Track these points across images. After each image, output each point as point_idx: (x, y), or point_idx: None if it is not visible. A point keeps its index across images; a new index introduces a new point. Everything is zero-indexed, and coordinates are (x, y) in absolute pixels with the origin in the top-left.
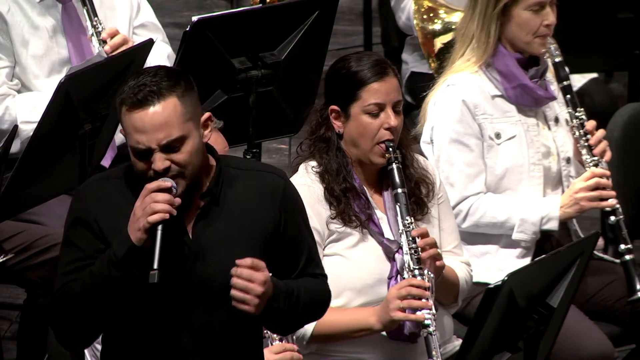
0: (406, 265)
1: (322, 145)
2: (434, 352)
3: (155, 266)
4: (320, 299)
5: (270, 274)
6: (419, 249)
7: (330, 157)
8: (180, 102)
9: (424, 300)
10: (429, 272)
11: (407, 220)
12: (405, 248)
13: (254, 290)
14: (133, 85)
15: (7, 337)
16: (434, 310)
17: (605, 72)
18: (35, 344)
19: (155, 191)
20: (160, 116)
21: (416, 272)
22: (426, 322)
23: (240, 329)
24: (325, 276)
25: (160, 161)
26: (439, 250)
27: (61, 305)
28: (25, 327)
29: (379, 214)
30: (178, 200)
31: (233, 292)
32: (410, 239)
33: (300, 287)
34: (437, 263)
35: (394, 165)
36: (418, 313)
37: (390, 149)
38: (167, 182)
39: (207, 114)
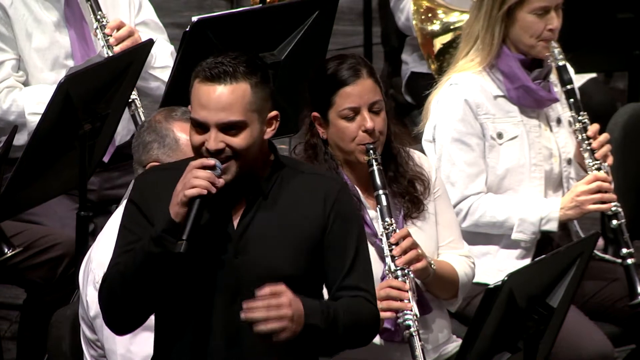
0: (386, 267)
1: (310, 152)
2: (417, 353)
3: (184, 237)
4: (365, 321)
5: (298, 297)
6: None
7: (319, 162)
8: (251, 90)
9: (405, 301)
10: (411, 273)
11: (387, 221)
12: (386, 250)
13: (284, 314)
14: (211, 61)
15: (7, 337)
16: (415, 311)
17: (605, 72)
18: (35, 344)
19: (199, 168)
20: (226, 97)
21: (398, 273)
22: (407, 322)
23: None
24: (369, 292)
25: (214, 141)
26: (419, 251)
27: (107, 285)
28: (25, 327)
29: (372, 214)
30: (221, 181)
31: (265, 326)
32: (392, 242)
33: (338, 307)
34: (413, 266)
35: (375, 167)
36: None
37: (371, 151)
38: (210, 161)
39: (274, 112)
